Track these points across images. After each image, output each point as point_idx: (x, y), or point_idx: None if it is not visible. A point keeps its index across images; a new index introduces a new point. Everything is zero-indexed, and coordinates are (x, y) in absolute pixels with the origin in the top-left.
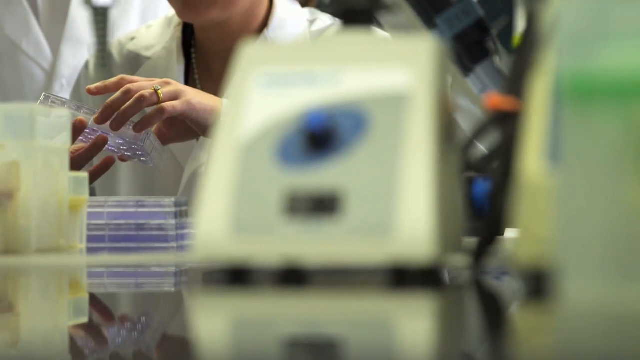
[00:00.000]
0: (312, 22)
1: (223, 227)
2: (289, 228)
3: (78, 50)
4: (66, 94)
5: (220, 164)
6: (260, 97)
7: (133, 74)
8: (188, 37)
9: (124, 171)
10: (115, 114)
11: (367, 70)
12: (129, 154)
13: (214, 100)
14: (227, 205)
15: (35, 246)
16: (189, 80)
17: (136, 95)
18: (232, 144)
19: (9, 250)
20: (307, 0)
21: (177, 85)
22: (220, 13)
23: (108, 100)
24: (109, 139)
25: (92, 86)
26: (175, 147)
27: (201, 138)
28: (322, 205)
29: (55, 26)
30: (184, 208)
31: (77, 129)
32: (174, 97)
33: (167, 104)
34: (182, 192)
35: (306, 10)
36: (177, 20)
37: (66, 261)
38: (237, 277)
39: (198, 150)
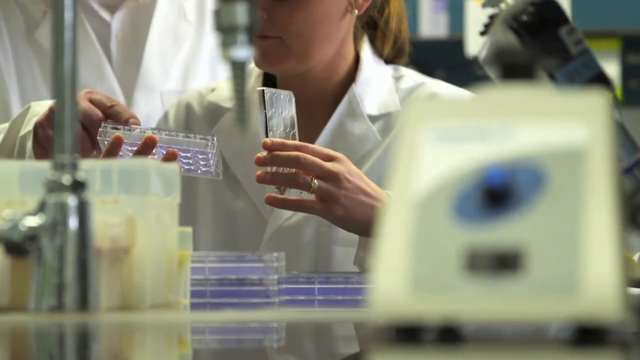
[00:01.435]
0: (397, 78)
1: (401, 284)
2: (470, 286)
3: (150, 97)
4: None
5: (396, 220)
6: (432, 153)
7: (214, 125)
8: (267, 86)
9: (203, 225)
10: (269, 170)
11: (540, 125)
12: (191, 167)
13: (370, 208)
14: (405, 262)
15: (149, 302)
16: (268, 130)
17: (294, 175)
18: (407, 200)
19: (125, 307)
20: (393, 57)
21: (341, 182)
22: (296, 65)
23: (279, 153)
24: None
25: (269, 140)
26: (258, 199)
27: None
28: (504, 263)
29: (129, 73)
30: (282, 263)
31: (149, 146)
32: (327, 198)
33: (308, 204)
34: (265, 247)
35: (390, 67)
36: (257, 71)
37: (179, 318)
38: (409, 335)
39: None
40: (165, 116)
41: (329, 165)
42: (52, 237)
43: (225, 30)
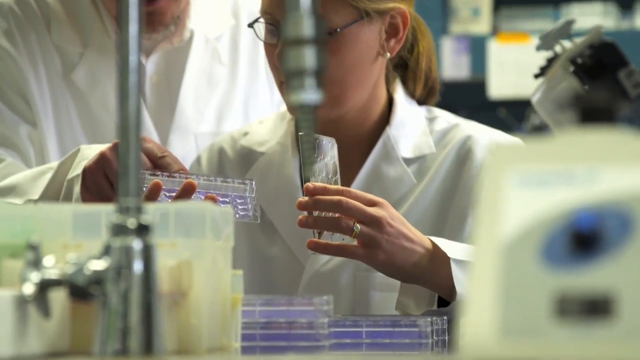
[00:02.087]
0: (431, 120)
1: (491, 329)
2: (560, 331)
3: (185, 139)
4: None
5: (484, 264)
6: (517, 197)
7: (247, 169)
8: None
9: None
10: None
11: (625, 168)
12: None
13: (412, 253)
14: (494, 307)
15: (205, 345)
16: (303, 175)
17: (336, 219)
18: (494, 245)
19: (182, 350)
20: (425, 97)
21: (383, 227)
22: (329, 111)
23: (321, 197)
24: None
25: (311, 184)
26: (294, 244)
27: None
28: (594, 308)
29: (164, 115)
30: (331, 306)
31: (188, 192)
32: (369, 243)
33: (351, 249)
34: (302, 292)
35: (423, 108)
36: (290, 115)
37: None
38: None
39: None
40: (198, 160)
41: (371, 210)
42: (116, 280)
43: (293, 74)
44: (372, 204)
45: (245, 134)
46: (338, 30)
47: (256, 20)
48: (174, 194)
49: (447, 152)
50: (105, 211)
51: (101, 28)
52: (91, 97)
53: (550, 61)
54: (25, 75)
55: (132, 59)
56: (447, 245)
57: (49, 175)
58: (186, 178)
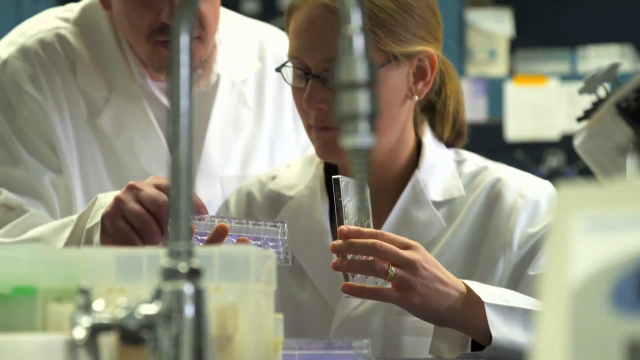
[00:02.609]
0: (459, 162)
1: None
2: None
3: (211, 183)
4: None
5: (552, 311)
6: (585, 242)
7: (276, 213)
8: (330, 174)
9: None
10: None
11: None
12: None
13: (446, 296)
14: (564, 354)
15: None
16: (333, 219)
17: (371, 262)
18: (562, 291)
19: None
20: (453, 139)
21: (418, 270)
22: None
23: (355, 240)
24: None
25: (345, 227)
26: (325, 288)
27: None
28: None
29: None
30: (370, 350)
31: (220, 235)
32: (404, 286)
33: (386, 293)
34: (333, 337)
35: (451, 150)
36: (318, 159)
37: None
38: None
39: None
40: (226, 204)
41: (405, 253)
42: (168, 325)
43: (347, 118)
44: (406, 247)
45: (274, 177)
46: None
47: (284, 65)
48: (205, 237)
49: (477, 195)
50: (147, 254)
51: (127, 72)
52: (117, 142)
53: (595, 105)
54: (51, 121)
55: (183, 103)
56: (481, 289)
57: (70, 228)
58: (218, 221)
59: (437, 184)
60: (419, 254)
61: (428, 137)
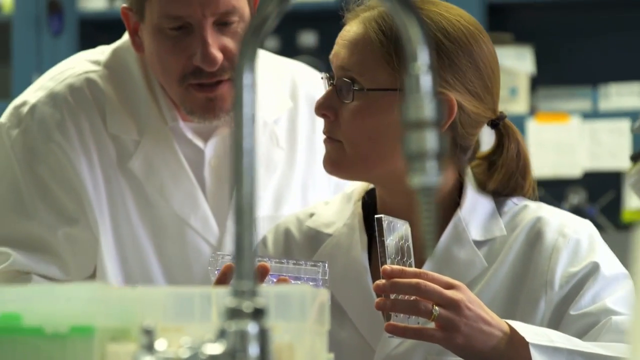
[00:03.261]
0: (499, 202)
1: None
2: None
3: None
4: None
5: None
6: None
7: (314, 251)
8: (368, 212)
9: None
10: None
11: None
12: None
13: (490, 337)
14: None
15: None
16: (371, 256)
17: (414, 302)
18: None
19: None
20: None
21: (462, 310)
22: (359, 175)
23: (399, 280)
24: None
25: (389, 267)
26: (364, 327)
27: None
28: None
29: (222, 201)
30: None
31: (261, 274)
32: (448, 326)
33: (430, 332)
34: None
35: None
36: (356, 196)
37: None
38: None
39: None
40: (264, 241)
41: (449, 292)
42: None
43: (414, 157)
44: (450, 286)
45: (311, 215)
46: (366, 90)
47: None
48: None
49: (517, 234)
50: (199, 293)
51: (157, 114)
52: (148, 185)
53: None
54: (77, 169)
55: (247, 142)
56: (525, 329)
57: None
58: (258, 260)
59: (478, 223)
60: (463, 294)
61: (470, 177)
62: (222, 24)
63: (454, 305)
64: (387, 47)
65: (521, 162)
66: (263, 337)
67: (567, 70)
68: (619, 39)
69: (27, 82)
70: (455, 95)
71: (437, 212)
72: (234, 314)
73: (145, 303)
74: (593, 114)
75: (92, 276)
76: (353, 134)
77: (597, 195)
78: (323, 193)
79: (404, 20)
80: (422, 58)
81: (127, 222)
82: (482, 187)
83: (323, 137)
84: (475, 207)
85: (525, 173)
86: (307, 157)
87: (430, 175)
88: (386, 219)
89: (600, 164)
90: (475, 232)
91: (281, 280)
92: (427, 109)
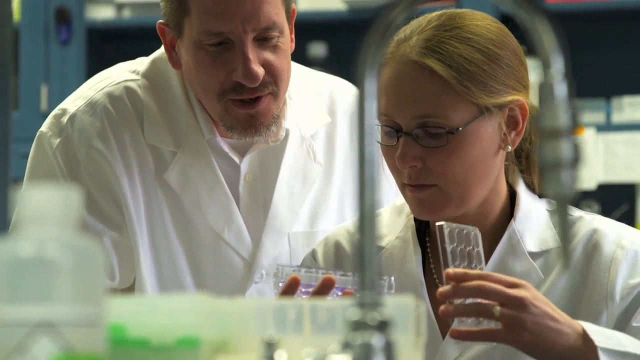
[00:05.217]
0: (552, 213)
1: None
2: None
3: (279, 240)
4: (266, 285)
5: None
6: None
7: None
8: (421, 225)
9: None
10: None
11: None
12: None
13: (558, 334)
14: None
15: None
16: (425, 270)
17: (478, 304)
18: None
19: None
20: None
21: (527, 307)
22: (455, 210)
23: (462, 284)
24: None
25: (451, 271)
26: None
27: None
28: None
29: (257, 216)
30: None
31: (327, 287)
32: (513, 324)
33: (495, 332)
34: None
35: (544, 200)
36: (408, 209)
37: None
38: None
39: (446, 346)
40: (313, 255)
41: (513, 291)
42: None
43: (550, 167)
44: (514, 285)
45: None
46: (460, 129)
47: None
48: (310, 289)
49: (573, 246)
50: (309, 305)
51: (195, 127)
52: (184, 197)
53: None
54: (118, 177)
55: (369, 150)
56: (595, 332)
57: None
58: (323, 273)
59: (532, 234)
60: (528, 292)
61: (521, 187)
62: (263, 39)
63: (518, 303)
64: (458, 79)
65: None
66: (389, 350)
67: (580, 82)
68: (632, 52)
69: (35, 92)
70: (522, 97)
71: (570, 222)
72: (358, 326)
73: (249, 315)
74: (607, 127)
75: (132, 286)
76: (453, 172)
77: (611, 207)
78: None
79: (538, 28)
80: (556, 65)
81: (164, 234)
82: (531, 189)
83: (407, 186)
84: (529, 218)
85: None
86: (344, 173)
87: (566, 185)
88: (448, 227)
89: (615, 176)
90: (530, 244)
91: (347, 293)
92: (563, 117)
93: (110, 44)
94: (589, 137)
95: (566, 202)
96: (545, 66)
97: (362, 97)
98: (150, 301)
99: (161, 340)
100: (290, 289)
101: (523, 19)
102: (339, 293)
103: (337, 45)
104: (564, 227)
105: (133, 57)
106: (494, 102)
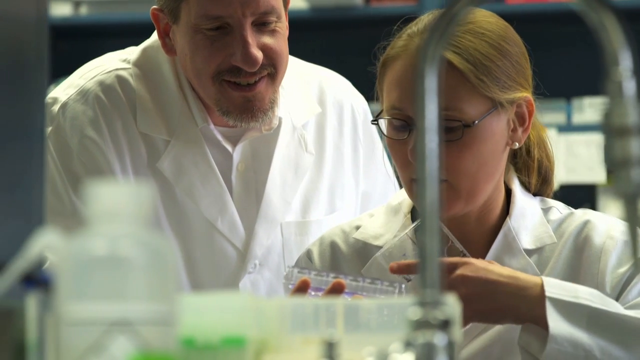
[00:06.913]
0: (546, 210)
1: None
2: None
3: (272, 230)
4: (259, 275)
5: None
6: None
7: (363, 263)
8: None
9: None
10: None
11: None
12: None
13: (499, 285)
14: None
15: None
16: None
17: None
18: None
19: None
20: (540, 187)
21: (459, 266)
22: (463, 207)
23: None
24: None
25: (395, 264)
26: None
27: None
28: None
29: (249, 205)
30: None
31: (337, 291)
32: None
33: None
34: None
35: (537, 199)
36: (405, 208)
37: None
38: None
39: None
40: (308, 254)
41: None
42: None
43: (619, 164)
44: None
45: (357, 227)
46: (475, 122)
47: (378, 116)
48: (320, 293)
49: (565, 240)
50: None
51: (188, 115)
52: (176, 186)
53: None
54: (111, 165)
55: (431, 147)
56: (554, 286)
57: None
58: (333, 277)
59: (528, 231)
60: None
61: (516, 184)
62: (261, 24)
63: (453, 266)
64: (475, 72)
65: (544, 151)
66: (451, 348)
67: (541, 84)
68: (592, 53)
69: None
70: (528, 94)
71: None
72: (420, 325)
73: (289, 315)
74: (568, 127)
75: None
76: (465, 167)
77: (572, 207)
78: (350, 199)
79: (605, 24)
80: (624, 62)
81: (155, 222)
82: (526, 187)
83: (408, 181)
84: (524, 216)
85: (545, 159)
86: (334, 163)
87: (635, 183)
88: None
89: (576, 176)
90: (525, 241)
91: (356, 299)
92: (632, 115)
93: (64, 42)
94: (550, 138)
95: (636, 199)
96: (613, 63)
97: (422, 93)
98: (195, 300)
99: (207, 340)
100: (300, 291)
101: (590, 16)
102: (349, 298)
103: (301, 45)
104: (634, 225)
105: (89, 56)
106: (506, 97)
